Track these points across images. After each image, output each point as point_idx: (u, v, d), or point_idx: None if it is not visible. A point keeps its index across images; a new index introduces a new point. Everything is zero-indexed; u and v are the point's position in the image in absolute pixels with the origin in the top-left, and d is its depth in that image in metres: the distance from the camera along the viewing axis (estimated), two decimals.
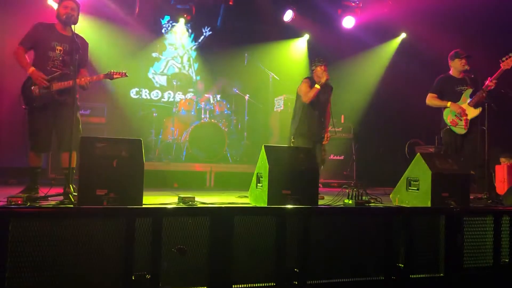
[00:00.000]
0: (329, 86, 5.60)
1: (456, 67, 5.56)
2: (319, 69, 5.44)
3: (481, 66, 5.69)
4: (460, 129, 5.43)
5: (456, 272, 3.64)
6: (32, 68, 4.20)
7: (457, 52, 5.54)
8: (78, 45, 4.05)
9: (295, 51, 9.23)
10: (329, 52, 9.09)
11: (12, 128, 6.30)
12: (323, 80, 5.33)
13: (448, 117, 5.50)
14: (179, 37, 8.92)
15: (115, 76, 4.42)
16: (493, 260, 3.77)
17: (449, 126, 5.49)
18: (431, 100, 5.64)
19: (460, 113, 5.40)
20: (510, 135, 7.10)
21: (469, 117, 5.39)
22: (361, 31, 8.95)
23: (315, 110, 5.46)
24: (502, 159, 6.65)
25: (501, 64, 5.12)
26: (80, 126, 4.41)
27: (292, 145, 5.35)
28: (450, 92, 5.55)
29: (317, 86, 5.33)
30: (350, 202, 4.00)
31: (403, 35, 9.10)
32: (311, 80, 5.51)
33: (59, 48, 4.29)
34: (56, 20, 4.38)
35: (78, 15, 4.34)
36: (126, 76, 4.48)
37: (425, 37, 8.54)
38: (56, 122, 4.32)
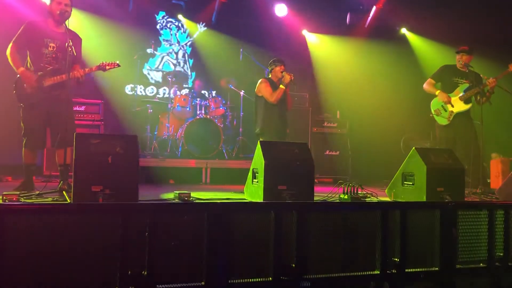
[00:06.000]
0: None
1: (456, 60, 5.64)
2: (278, 69, 5.47)
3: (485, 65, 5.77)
4: (442, 120, 5.50)
5: (450, 266, 3.66)
6: (21, 68, 4.18)
7: (459, 48, 5.62)
8: (71, 41, 4.03)
9: (291, 47, 9.20)
10: (324, 47, 9.12)
11: (7, 125, 6.27)
12: (287, 80, 5.34)
13: (434, 105, 5.58)
14: (174, 33, 8.89)
15: (107, 67, 4.41)
16: (488, 253, 3.79)
17: (432, 114, 5.57)
18: (427, 85, 5.76)
19: (445, 102, 5.45)
20: (504, 131, 7.15)
21: (455, 110, 5.45)
22: (359, 26, 8.95)
23: (277, 107, 5.46)
24: (493, 154, 6.71)
25: (510, 65, 5.19)
26: (74, 122, 4.40)
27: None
28: (447, 81, 5.65)
29: (282, 86, 5.35)
30: (346, 197, 4.01)
31: (401, 31, 9.11)
32: (269, 81, 5.53)
33: (51, 44, 4.27)
34: (47, 16, 4.36)
35: (71, 10, 4.31)
36: (119, 66, 4.47)
37: (422, 32, 8.57)
38: (50, 118, 4.30)
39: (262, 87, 5.48)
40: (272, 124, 5.41)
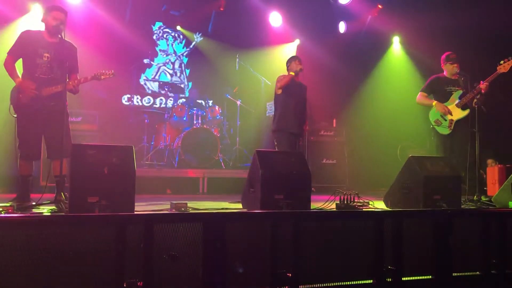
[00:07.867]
0: (304, 86, 5.79)
1: (448, 69, 5.62)
2: (294, 64, 5.64)
3: (477, 68, 5.75)
4: (444, 129, 5.48)
5: (447, 274, 3.66)
6: (19, 79, 4.18)
7: (448, 56, 5.59)
8: (66, 51, 4.05)
9: (286, 56, 9.25)
10: (319, 56, 9.16)
11: (3, 137, 6.26)
12: (298, 69, 5.55)
13: (433, 116, 5.58)
14: (170, 43, 8.93)
15: (102, 76, 4.42)
16: (483, 261, 3.79)
17: (433, 125, 5.56)
18: (420, 98, 5.72)
19: (444, 113, 5.45)
20: (500, 137, 7.17)
21: (454, 118, 5.44)
22: (353, 35, 9.01)
23: (293, 106, 5.58)
24: (489, 161, 6.74)
25: (497, 67, 5.17)
26: (70, 133, 4.39)
27: (275, 141, 5.53)
28: (440, 92, 5.61)
29: (291, 73, 5.55)
30: (343, 206, 4.01)
31: (395, 39, 9.18)
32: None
33: (46, 55, 4.26)
34: (42, 26, 4.37)
35: (66, 23, 4.32)
36: (113, 75, 4.48)
37: (417, 41, 8.62)
38: (45, 129, 4.29)
39: (277, 78, 5.64)
40: (286, 121, 5.54)
